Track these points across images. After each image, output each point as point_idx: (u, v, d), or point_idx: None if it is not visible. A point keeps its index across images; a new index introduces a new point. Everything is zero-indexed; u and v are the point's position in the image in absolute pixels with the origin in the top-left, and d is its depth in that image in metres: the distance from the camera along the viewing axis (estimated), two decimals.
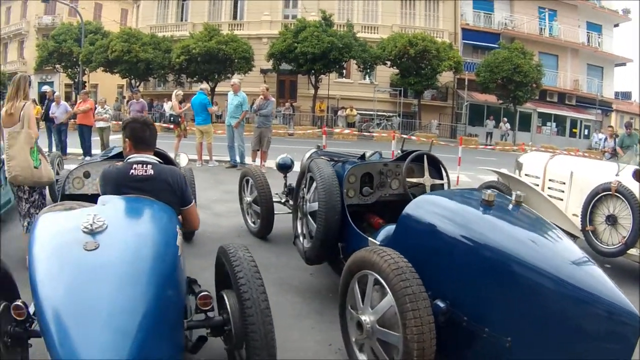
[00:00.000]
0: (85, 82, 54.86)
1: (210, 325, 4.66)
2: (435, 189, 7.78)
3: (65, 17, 65.37)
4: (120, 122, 35.43)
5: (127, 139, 5.46)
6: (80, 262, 3.79)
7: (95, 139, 23.08)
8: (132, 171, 5.17)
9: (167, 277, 4.02)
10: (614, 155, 21.05)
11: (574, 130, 57.88)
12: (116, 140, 22.82)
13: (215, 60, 45.68)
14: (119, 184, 5.12)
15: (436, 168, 8.08)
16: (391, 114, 51.04)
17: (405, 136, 18.69)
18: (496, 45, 51.10)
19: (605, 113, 60.49)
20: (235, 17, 57.85)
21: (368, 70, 49.01)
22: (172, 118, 21.82)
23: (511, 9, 57.56)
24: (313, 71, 46.68)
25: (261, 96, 19.46)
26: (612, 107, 61.54)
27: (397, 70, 48.04)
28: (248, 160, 20.32)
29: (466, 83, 52.23)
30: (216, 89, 45.41)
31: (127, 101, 48.32)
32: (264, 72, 51.27)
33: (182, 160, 6.72)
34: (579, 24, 58.80)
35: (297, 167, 10.43)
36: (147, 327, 3.46)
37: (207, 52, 45.01)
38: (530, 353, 4.20)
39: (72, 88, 60.34)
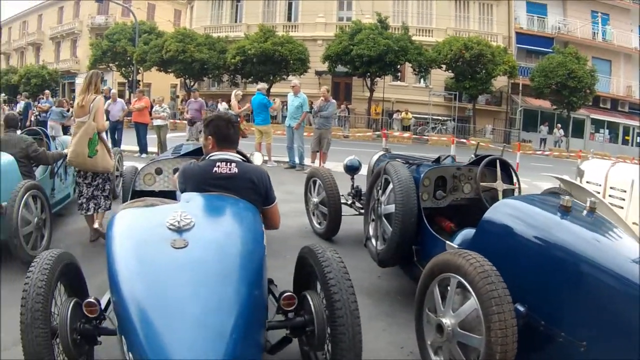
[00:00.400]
0: (139, 80, 55.35)
1: (292, 326, 4.58)
2: (506, 194, 7.75)
3: (119, 17, 66.56)
4: (176, 121, 35.83)
5: (210, 137, 5.46)
6: (169, 260, 3.81)
7: (152, 137, 23.30)
8: (215, 169, 5.18)
9: (256, 276, 4.00)
10: None
11: (626, 137, 56.35)
12: (173, 138, 23.11)
13: (271, 61, 45.99)
14: (201, 181, 5.12)
15: (507, 173, 8.03)
16: (445, 118, 50.99)
17: (467, 141, 18.48)
18: (549, 50, 50.44)
19: None
20: (289, 19, 58.10)
21: (423, 74, 49.00)
22: None
23: (564, 12, 56.54)
24: (369, 74, 46.69)
25: (322, 98, 19.53)
26: None
27: (452, 74, 47.73)
28: (307, 161, 20.33)
29: (520, 88, 51.48)
30: (271, 90, 44.83)
31: (181, 100, 48.73)
32: (319, 74, 51.52)
33: (257, 159, 6.69)
34: (632, 28, 57.43)
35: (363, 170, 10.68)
36: (240, 328, 3.45)
37: (263, 53, 45.29)
38: (604, 357, 4.15)
39: (125, 87, 61.20)
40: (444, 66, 46.60)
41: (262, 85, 20.99)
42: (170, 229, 4.04)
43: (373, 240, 7.88)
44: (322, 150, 19.59)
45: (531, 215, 5.20)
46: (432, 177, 7.68)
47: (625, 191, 10.48)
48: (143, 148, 23.01)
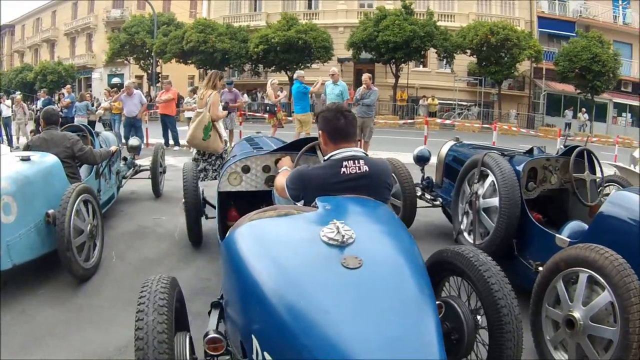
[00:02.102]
0: (159, 73, 55.31)
1: None
2: (591, 184, 7.86)
3: (135, 10, 66.78)
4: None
5: (321, 132, 4.84)
6: (346, 286, 3.07)
7: (183, 129, 22.82)
8: (342, 170, 4.49)
9: (432, 292, 3.36)
10: None
11: None
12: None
13: (294, 49, 46.02)
14: (325, 187, 4.44)
15: (590, 163, 8.00)
16: (470, 103, 51.06)
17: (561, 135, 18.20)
18: (571, 34, 50.78)
19: None
20: (310, 7, 58.17)
21: (449, 59, 48.77)
22: (267, 107, 21.66)
23: None
24: (394, 60, 46.63)
25: (364, 85, 19.15)
26: None
27: (476, 59, 47.71)
28: None
29: (544, 72, 51.44)
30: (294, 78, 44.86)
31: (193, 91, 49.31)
32: (341, 61, 51.39)
33: None
34: None
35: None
36: None
37: (287, 41, 45.36)
38: None
39: (142, 79, 61.30)
40: (468, 51, 46.55)
41: (300, 73, 20.43)
42: (329, 244, 3.35)
43: (466, 235, 7.91)
44: (364, 140, 19.29)
45: None
46: (526, 169, 7.57)
47: None
48: (175, 140, 23.09)
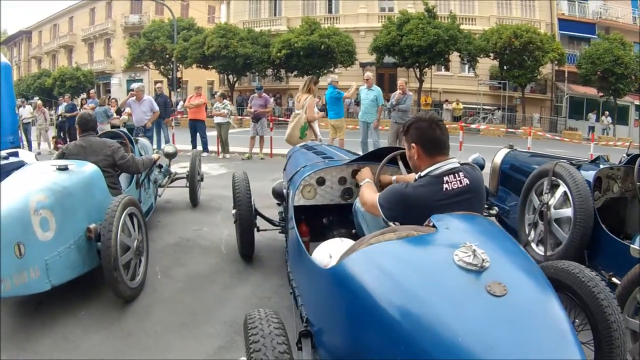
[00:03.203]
0: (179, 78, 55.22)
1: None
2: None
3: (152, 15, 66.70)
4: (238, 117, 35.18)
5: (414, 144, 4.33)
6: (500, 315, 2.72)
7: (211, 135, 23.32)
8: (445, 186, 4.10)
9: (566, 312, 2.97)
10: None
11: None
12: (235, 137, 22.54)
13: (317, 54, 45.91)
14: (427, 206, 4.00)
15: None
16: (492, 107, 50.95)
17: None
18: (592, 36, 50.68)
19: None
20: (330, 11, 58.05)
21: (472, 63, 48.40)
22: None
23: None
24: (417, 64, 46.38)
25: (399, 90, 18.78)
26: None
27: (497, 63, 47.58)
28: None
29: (566, 75, 51.07)
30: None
31: (224, 97, 49.16)
32: (363, 65, 50.95)
33: None
34: None
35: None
36: None
37: (309, 45, 45.21)
38: None
39: (161, 84, 61.01)
40: (492, 54, 46.28)
41: (334, 78, 20.14)
42: (467, 269, 2.98)
43: (534, 246, 7.65)
44: (401, 146, 18.49)
45: None
46: (594, 178, 7.29)
47: None
48: (204, 146, 22.73)
